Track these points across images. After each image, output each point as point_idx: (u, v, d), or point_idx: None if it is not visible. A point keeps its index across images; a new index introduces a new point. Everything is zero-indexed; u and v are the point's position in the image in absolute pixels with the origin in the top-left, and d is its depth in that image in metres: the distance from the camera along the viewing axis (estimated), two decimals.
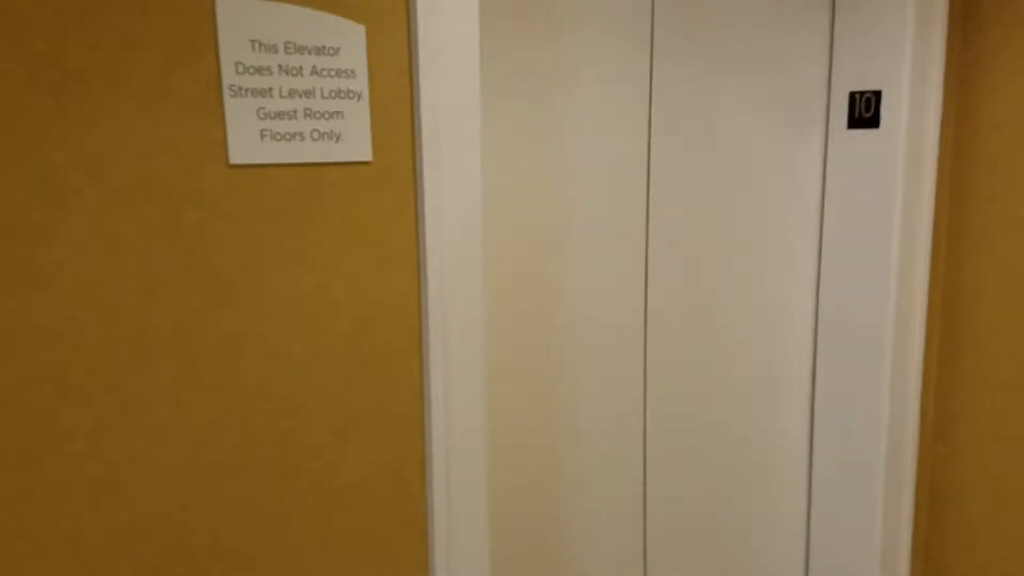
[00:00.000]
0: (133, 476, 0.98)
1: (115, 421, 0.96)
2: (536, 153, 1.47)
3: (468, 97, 1.14)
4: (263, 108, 0.98)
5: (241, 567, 1.07)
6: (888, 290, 1.68)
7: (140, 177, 0.93)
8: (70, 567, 0.95)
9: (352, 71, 1.05)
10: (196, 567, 1.03)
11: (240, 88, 0.96)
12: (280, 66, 0.99)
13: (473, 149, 1.15)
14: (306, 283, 1.06)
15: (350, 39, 1.04)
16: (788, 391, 1.84)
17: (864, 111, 1.72)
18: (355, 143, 1.06)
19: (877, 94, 1.69)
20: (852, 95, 1.74)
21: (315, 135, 1.02)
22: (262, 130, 0.98)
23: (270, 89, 0.98)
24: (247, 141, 0.97)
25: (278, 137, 1.00)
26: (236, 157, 0.97)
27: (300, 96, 1.01)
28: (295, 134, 1.01)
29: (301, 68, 1.00)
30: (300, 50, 1.00)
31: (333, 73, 1.03)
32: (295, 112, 1.01)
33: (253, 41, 0.96)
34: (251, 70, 0.97)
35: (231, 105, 0.96)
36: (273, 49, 0.98)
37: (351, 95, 1.05)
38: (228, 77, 0.95)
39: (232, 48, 0.95)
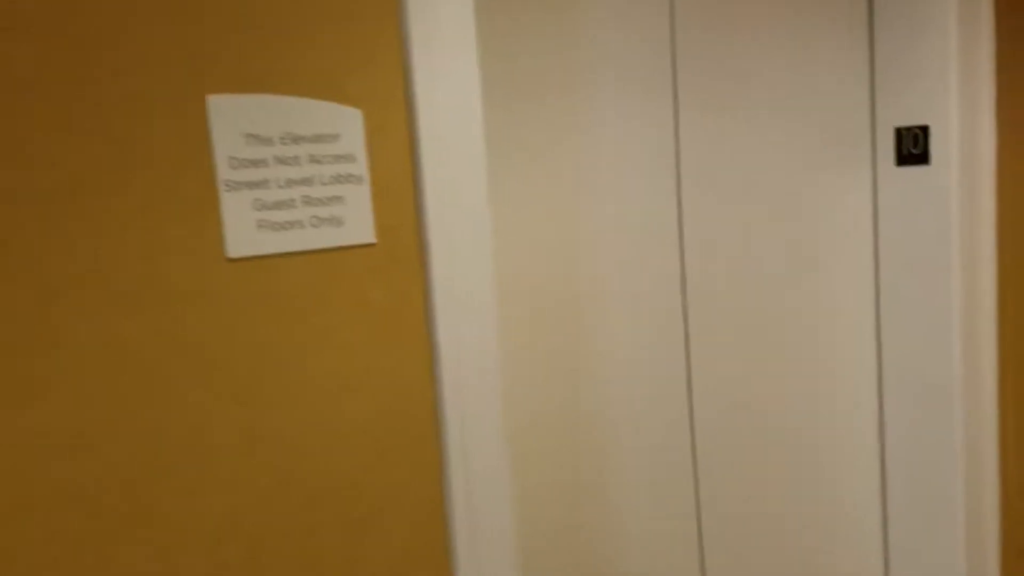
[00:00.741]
0: None
1: (129, 527, 0.95)
2: (551, 221, 1.42)
3: (473, 169, 1.12)
4: (259, 199, 0.98)
5: None
6: (952, 337, 1.56)
7: (141, 280, 0.93)
8: None
9: (352, 155, 1.04)
10: None
11: (235, 182, 0.96)
12: (276, 157, 0.99)
13: (481, 221, 1.13)
14: (316, 371, 1.05)
15: (348, 124, 1.04)
16: (855, 457, 1.72)
17: (912, 147, 1.63)
18: (358, 226, 1.05)
19: (924, 129, 1.60)
20: (898, 131, 1.65)
21: (315, 221, 1.02)
22: (259, 221, 0.98)
23: (266, 180, 0.98)
24: (243, 234, 0.97)
25: (276, 227, 0.99)
26: (233, 251, 0.97)
27: (298, 184, 1.01)
28: (294, 222, 1.00)
29: (298, 157, 1.00)
30: (297, 140, 1.00)
31: (332, 159, 1.03)
32: (293, 201, 1.00)
33: (248, 135, 0.97)
34: (246, 163, 0.97)
35: (226, 199, 0.96)
36: (268, 141, 0.98)
37: (351, 179, 1.04)
38: (223, 172, 0.96)
39: (226, 144, 0.96)
